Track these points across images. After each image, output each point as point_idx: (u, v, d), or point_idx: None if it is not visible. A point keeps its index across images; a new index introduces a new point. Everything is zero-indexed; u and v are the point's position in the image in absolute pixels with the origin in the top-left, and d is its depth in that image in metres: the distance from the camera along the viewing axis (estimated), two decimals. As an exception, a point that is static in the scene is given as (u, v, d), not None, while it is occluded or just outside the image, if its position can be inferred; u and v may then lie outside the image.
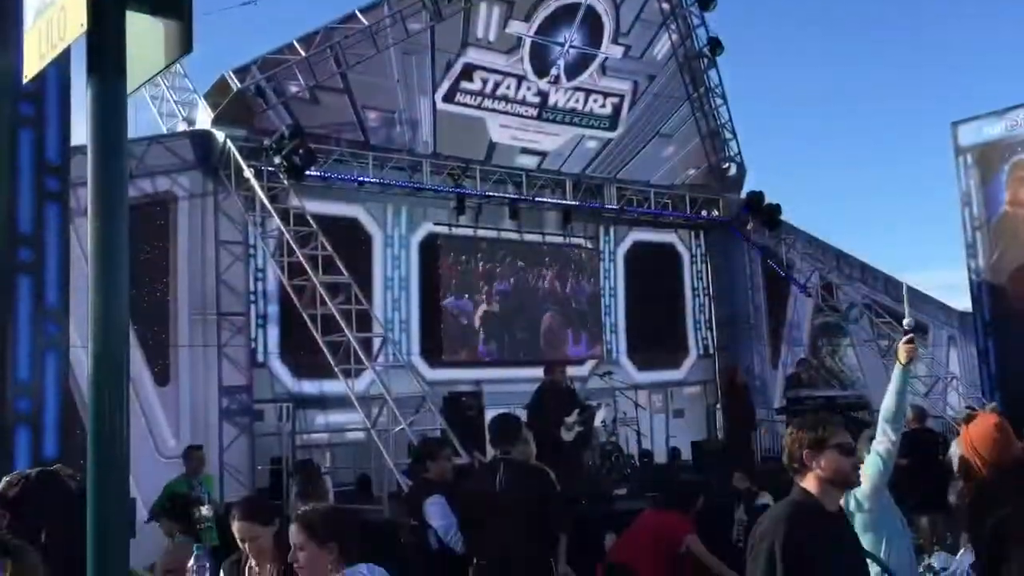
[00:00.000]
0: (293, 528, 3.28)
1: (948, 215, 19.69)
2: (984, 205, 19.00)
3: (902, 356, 4.26)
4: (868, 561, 4.05)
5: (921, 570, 10.01)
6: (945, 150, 19.83)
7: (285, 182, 12.63)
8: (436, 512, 5.45)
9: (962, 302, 21.04)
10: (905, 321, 4.28)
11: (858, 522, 4.07)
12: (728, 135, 19.36)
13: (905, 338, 4.27)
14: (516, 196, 16.51)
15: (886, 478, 4.11)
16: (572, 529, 6.36)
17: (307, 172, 12.69)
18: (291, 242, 12.08)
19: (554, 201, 17.26)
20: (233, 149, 12.39)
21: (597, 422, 14.38)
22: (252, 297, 13.25)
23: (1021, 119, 18.59)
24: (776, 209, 19.23)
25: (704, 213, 19.27)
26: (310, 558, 3.21)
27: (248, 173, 12.24)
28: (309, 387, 13.60)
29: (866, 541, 4.07)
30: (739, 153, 19.61)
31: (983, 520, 3.86)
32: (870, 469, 4.07)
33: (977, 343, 19.43)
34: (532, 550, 5.32)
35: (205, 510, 3.96)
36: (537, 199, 16.83)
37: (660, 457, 16.59)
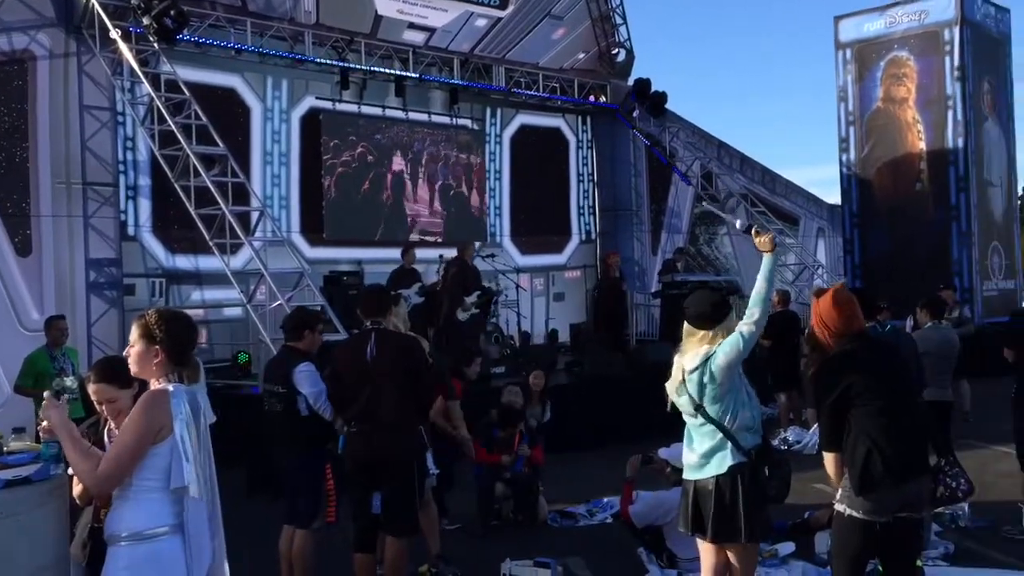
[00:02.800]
0: (132, 326, 3.30)
1: (828, 114, 20.20)
2: (859, 100, 19.58)
3: (764, 246, 4.40)
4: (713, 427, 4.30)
5: (776, 442, 10.70)
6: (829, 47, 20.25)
7: (156, 45, 11.93)
8: (306, 379, 5.43)
9: (833, 196, 21.92)
10: (738, 223, 4.50)
11: (708, 393, 4.27)
12: (619, 20, 19.21)
13: (754, 234, 4.44)
14: (402, 73, 16.08)
15: (743, 356, 4.27)
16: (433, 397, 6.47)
17: (179, 36, 11.99)
18: (162, 110, 11.49)
19: (441, 80, 16.91)
20: (97, 6, 11.58)
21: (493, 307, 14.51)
22: (121, 167, 12.62)
23: (900, 16, 19.07)
24: (662, 97, 19.35)
25: (592, 98, 19.22)
26: (138, 353, 3.25)
27: (115, 34, 11.48)
28: (183, 262, 13.21)
29: (713, 411, 4.30)
30: (628, 39, 19.54)
31: (828, 388, 4.06)
32: (728, 347, 4.24)
33: (843, 234, 20.31)
34: (402, 419, 5.38)
35: (69, 381, 3.83)
36: (424, 77, 16.45)
37: (539, 339, 16.96)
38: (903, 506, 3.97)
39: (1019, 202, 56.95)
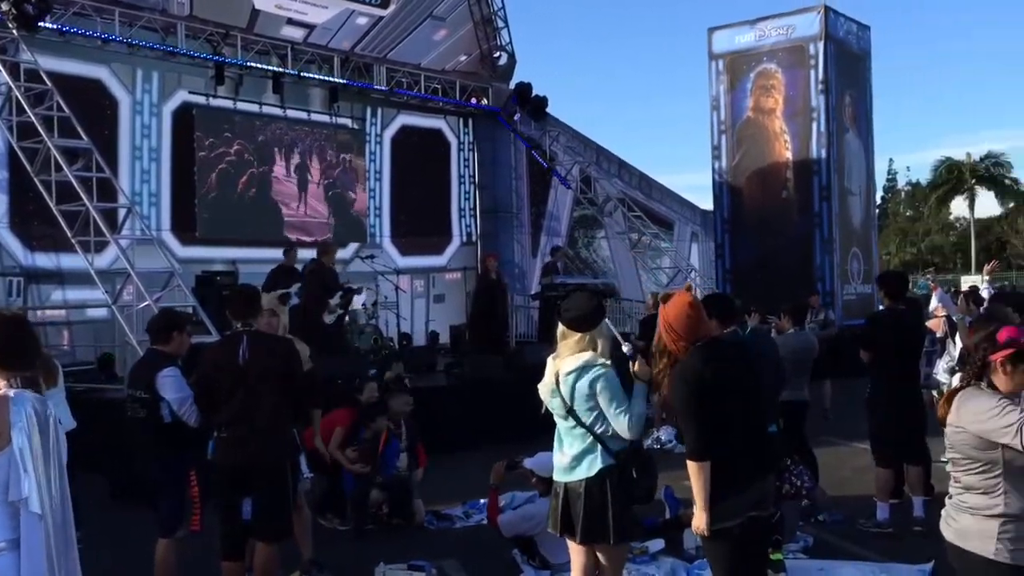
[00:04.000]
0: None
1: (703, 122, 20.80)
2: (730, 110, 20.24)
3: (641, 376, 4.43)
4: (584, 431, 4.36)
5: (649, 442, 10.96)
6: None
7: (15, 32, 11.35)
8: (170, 385, 5.25)
9: (706, 202, 22.56)
10: (624, 347, 4.50)
11: (580, 399, 4.31)
12: (500, 23, 19.35)
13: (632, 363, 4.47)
14: (280, 69, 15.78)
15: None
16: (320, 403, 6.42)
17: (41, 23, 11.46)
18: (21, 100, 10.94)
19: (320, 77, 16.66)
20: (-51, -11, 10.95)
21: (357, 305, 14.36)
22: (-24, 160, 11.99)
23: (769, 30, 19.80)
24: (543, 101, 19.60)
25: (473, 101, 19.30)
26: None
27: (-32, 19, 10.89)
28: (44, 260, 12.61)
29: (585, 415, 4.35)
30: (510, 43, 19.71)
31: (686, 397, 4.13)
32: (610, 399, 4.27)
33: (715, 239, 20.95)
34: (276, 422, 5.27)
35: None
36: (303, 74, 16.17)
37: (419, 340, 16.90)
38: (754, 506, 4.13)
39: (876, 210, 59.87)
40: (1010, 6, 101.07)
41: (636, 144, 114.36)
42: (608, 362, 4.39)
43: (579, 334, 4.39)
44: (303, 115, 16.85)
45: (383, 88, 17.52)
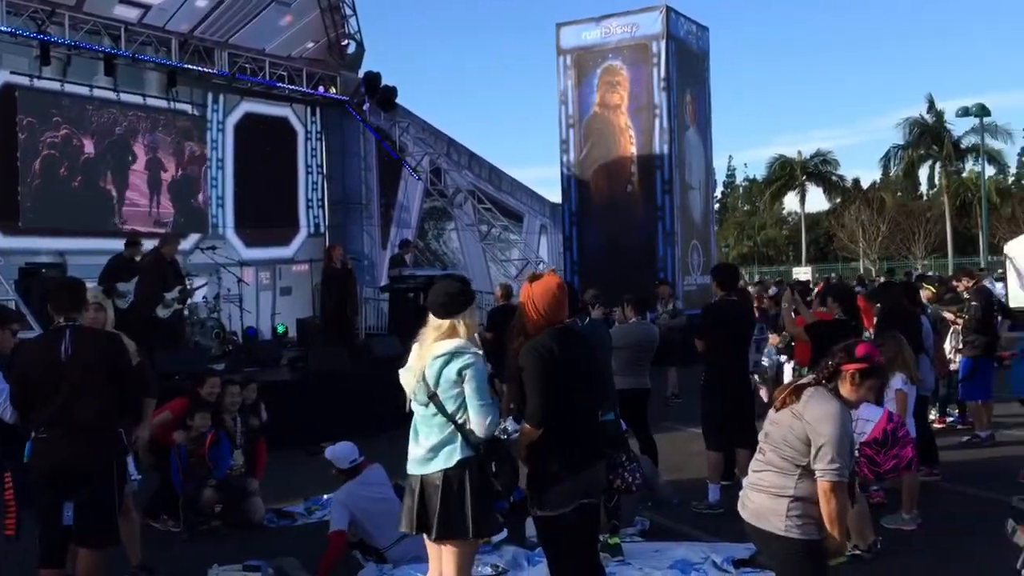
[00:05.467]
0: None
1: (552, 116, 21.13)
2: (578, 105, 20.63)
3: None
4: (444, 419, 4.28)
5: (497, 432, 11.08)
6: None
7: None
8: (-12, 382, 4.92)
9: (555, 195, 22.92)
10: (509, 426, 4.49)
11: (445, 386, 4.19)
12: (348, 11, 19.04)
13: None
14: (113, 51, 14.99)
15: None
16: (155, 393, 6.13)
17: None
18: None
19: (157, 60, 15.94)
20: None
21: (199, 298, 13.87)
22: None
23: (614, 27, 20.28)
24: (392, 91, 19.43)
25: (321, 89, 18.92)
26: None
27: None
28: None
29: (448, 402, 4.19)
30: (359, 31, 19.42)
31: (536, 371, 4.20)
32: (476, 394, 4.21)
33: (563, 231, 21.32)
34: (101, 422, 5.01)
35: None
36: (138, 56, 15.43)
37: (265, 334, 16.47)
38: (585, 492, 4.24)
39: (716, 204, 62.44)
40: (838, 17, 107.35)
41: (487, 137, 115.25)
42: (480, 351, 4.31)
43: (445, 320, 4.27)
44: (138, 99, 16.09)
45: (225, 73, 16.93)
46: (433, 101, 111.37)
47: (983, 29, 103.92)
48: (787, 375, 9.67)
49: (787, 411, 3.78)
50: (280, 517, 7.42)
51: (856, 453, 5.58)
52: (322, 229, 19.64)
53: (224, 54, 16.91)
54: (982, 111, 28.96)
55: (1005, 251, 20.62)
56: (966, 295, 10.75)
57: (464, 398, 4.18)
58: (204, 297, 14.11)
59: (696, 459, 8.24)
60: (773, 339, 11.53)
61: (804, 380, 3.99)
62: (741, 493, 3.95)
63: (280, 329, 16.51)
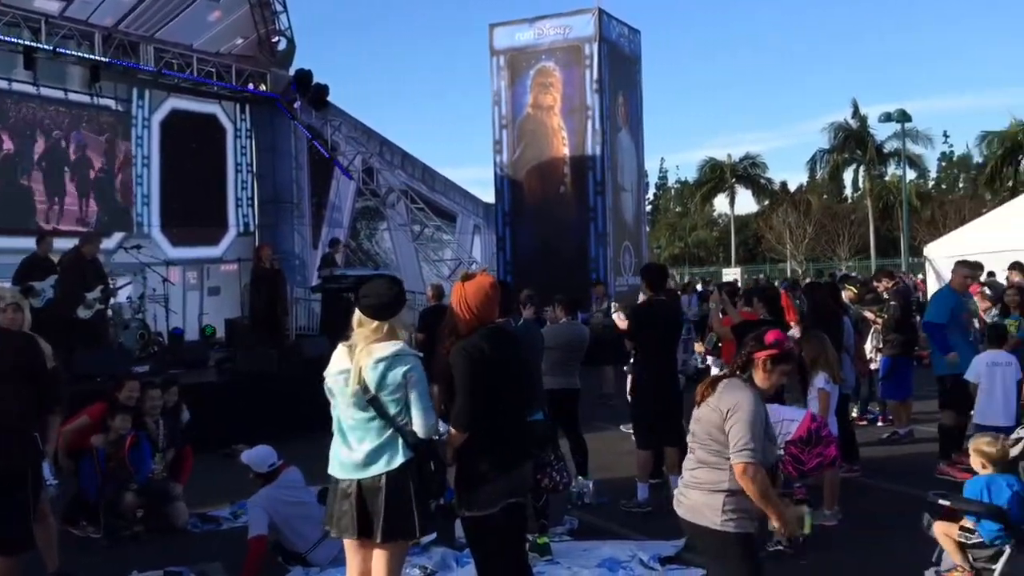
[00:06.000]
0: None
1: (485, 116, 21.16)
2: (511, 105, 20.68)
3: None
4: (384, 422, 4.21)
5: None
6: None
7: None
8: None
9: (489, 195, 22.92)
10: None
11: (388, 389, 4.11)
12: (279, 7, 18.77)
13: None
14: (32, 43, 14.54)
15: None
16: (61, 406, 5.93)
17: None
18: None
19: (79, 55, 15.50)
20: None
21: (122, 298, 13.53)
22: None
23: (547, 29, 20.38)
24: (324, 89, 19.23)
25: (251, 86, 18.61)
26: None
27: None
28: None
29: (390, 405, 4.15)
30: (289, 28, 19.16)
31: (468, 372, 4.19)
32: (419, 399, 4.21)
33: (497, 231, 21.35)
34: (17, 424, 4.86)
35: None
36: (59, 50, 14.99)
37: (192, 335, 16.15)
38: (512, 492, 4.24)
39: (649, 206, 62.76)
40: (768, 24, 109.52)
41: (420, 137, 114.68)
42: (420, 353, 4.28)
43: (377, 322, 4.19)
44: (60, 94, 15.64)
45: (151, 69, 16.55)
46: (366, 100, 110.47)
47: (905, 37, 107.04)
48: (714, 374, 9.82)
49: (706, 405, 3.85)
50: (204, 521, 7.27)
51: (781, 451, 5.71)
52: (252, 228, 19.33)
53: (150, 49, 16.53)
54: (903, 117, 29.74)
55: (925, 253, 21.22)
56: (886, 295, 11.05)
57: (405, 401, 4.15)
58: (128, 297, 13.78)
59: (626, 458, 8.31)
60: (699, 347, 11.76)
61: (719, 373, 4.07)
62: (676, 491, 4.00)
63: (208, 330, 16.21)
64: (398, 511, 4.08)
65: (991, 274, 13.03)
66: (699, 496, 3.82)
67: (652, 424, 7.38)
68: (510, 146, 20.76)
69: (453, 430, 4.21)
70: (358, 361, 4.15)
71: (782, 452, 5.68)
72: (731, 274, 36.53)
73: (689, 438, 3.98)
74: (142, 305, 13.80)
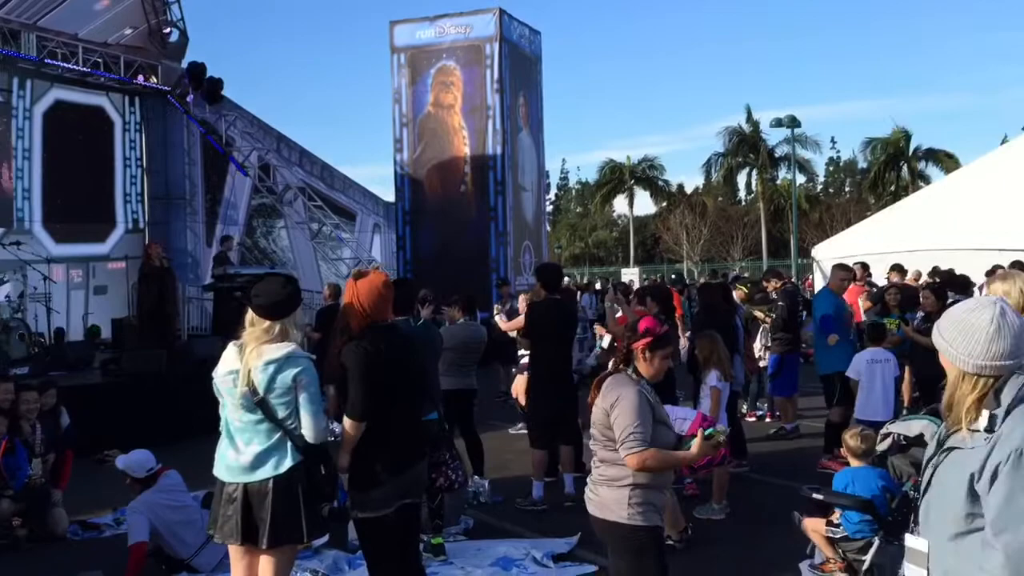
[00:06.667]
0: None
1: (386, 114, 20.94)
2: (412, 104, 20.54)
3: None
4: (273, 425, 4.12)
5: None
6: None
7: None
8: None
9: (389, 194, 22.74)
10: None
11: (279, 392, 4.05)
12: (170, -3, 18.25)
13: None
14: (-98, 27, 13.78)
15: None
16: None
17: None
18: None
19: (-46, 41, 14.76)
20: None
21: (1, 297, 12.93)
22: None
23: (448, 28, 20.32)
24: (218, 83, 18.75)
25: (141, 78, 18.01)
26: None
27: None
28: None
29: (279, 408, 4.07)
30: (182, 19, 18.64)
31: (361, 367, 4.15)
32: (311, 411, 4.13)
33: (397, 230, 21.19)
34: None
35: None
36: (-69, 35, 14.24)
37: (77, 335, 15.54)
38: (406, 493, 4.21)
39: (551, 206, 63.16)
40: (665, 30, 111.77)
41: (319, 133, 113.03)
42: (313, 356, 4.18)
43: (269, 322, 4.08)
44: (-68, 82, 14.86)
45: (33, 58, 15.85)
46: (263, 96, 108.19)
47: (796, 45, 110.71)
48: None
49: (596, 406, 3.90)
50: (85, 529, 7.00)
51: (683, 432, 5.80)
52: (141, 225, 18.72)
53: (32, 37, 15.83)
54: (793, 122, 30.70)
55: (813, 254, 21.99)
56: (774, 295, 11.38)
57: (295, 404, 4.06)
58: (7, 296, 13.18)
59: (522, 456, 8.35)
60: (600, 329, 11.76)
61: (606, 372, 4.12)
62: (587, 489, 4.01)
63: (93, 330, 15.62)
64: (286, 516, 4.00)
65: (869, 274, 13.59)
66: (606, 492, 3.85)
67: (547, 423, 7.43)
68: (410, 145, 20.63)
69: (348, 422, 4.16)
70: (247, 362, 4.05)
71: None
72: (630, 274, 37.09)
73: (592, 439, 4.01)
74: (22, 304, 13.22)
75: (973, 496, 2.35)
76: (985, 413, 2.38)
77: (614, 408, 3.77)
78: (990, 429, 2.36)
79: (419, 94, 20.51)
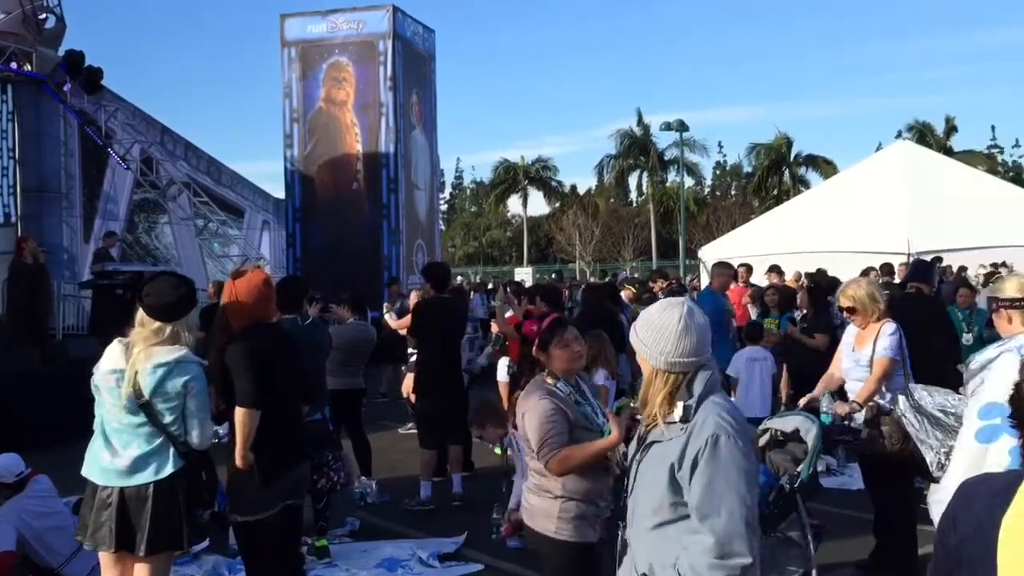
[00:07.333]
0: None
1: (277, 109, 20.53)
2: (303, 99, 20.20)
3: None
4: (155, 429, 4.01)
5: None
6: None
7: None
8: None
9: (279, 190, 22.28)
10: None
11: (167, 395, 3.91)
12: (47, -18, 17.43)
13: None
14: None
15: None
16: None
17: None
18: None
19: None
20: None
21: None
22: None
23: (340, 23, 20.06)
24: (97, 73, 18.01)
25: (14, 65, 17.13)
26: None
27: None
28: None
29: (165, 412, 3.96)
30: (59, 5, 17.84)
31: (249, 366, 4.09)
32: (199, 418, 4.04)
33: (287, 228, 20.80)
34: None
35: None
36: None
37: (-59, 334, 14.69)
38: (289, 494, 4.15)
39: (445, 205, 62.95)
40: (559, 30, 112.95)
41: (206, 127, 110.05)
42: (204, 361, 4.08)
43: (160, 323, 3.94)
44: None
45: None
46: (146, 87, 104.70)
47: (687, 51, 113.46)
48: (500, 372, 9.98)
49: (519, 412, 3.84)
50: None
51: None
52: (13, 219, 17.80)
53: None
54: (682, 127, 31.46)
55: (699, 255, 22.59)
56: (661, 295, 11.63)
57: (182, 410, 3.96)
58: None
59: (411, 456, 8.30)
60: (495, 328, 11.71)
61: (524, 379, 4.12)
62: (523, 496, 3.94)
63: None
64: (165, 522, 3.88)
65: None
66: (537, 501, 3.73)
67: (435, 422, 7.41)
68: (301, 141, 20.29)
69: (241, 412, 4.07)
70: (135, 364, 3.91)
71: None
72: (523, 273, 37.35)
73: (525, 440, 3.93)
74: None
75: (675, 485, 2.45)
76: (680, 405, 2.49)
77: (525, 420, 3.68)
78: (685, 419, 2.47)
79: (310, 89, 20.19)
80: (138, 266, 16.44)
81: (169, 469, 3.92)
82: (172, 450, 3.94)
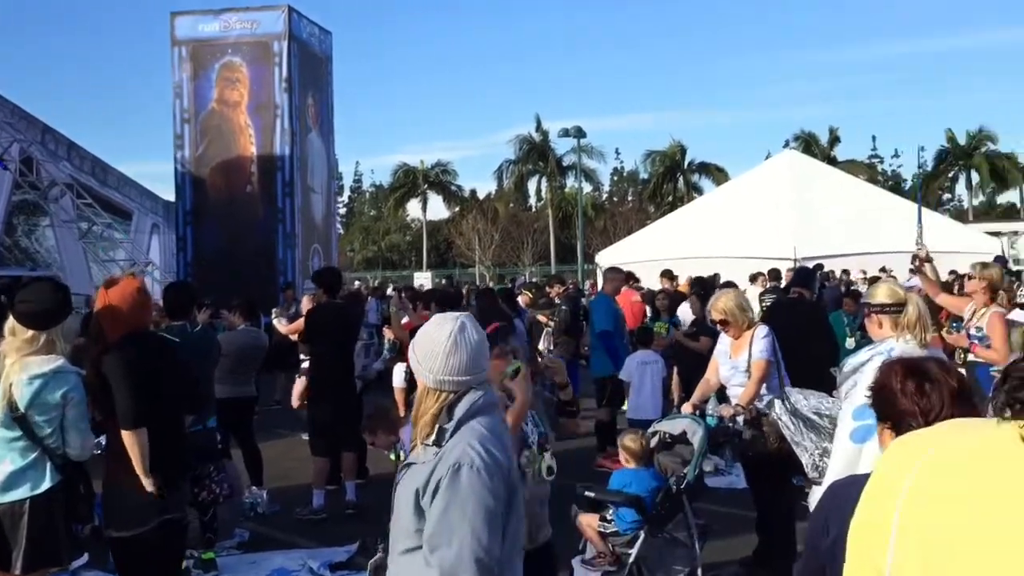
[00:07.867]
0: None
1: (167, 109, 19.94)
2: (194, 99, 19.69)
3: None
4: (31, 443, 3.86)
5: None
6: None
7: None
8: None
9: (170, 192, 21.66)
10: None
11: (47, 407, 3.85)
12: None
13: None
14: None
15: None
16: None
17: None
18: None
19: None
20: None
21: None
22: None
23: (233, 23, 19.64)
24: (-27, 68, 17.22)
25: None
26: None
27: None
28: None
29: (42, 424, 3.89)
30: (-70, -5, 16.96)
31: (128, 376, 3.94)
32: (76, 429, 3.95)
33: (177, 231, 20.23)
34: None
35: None
36: None
37: None
38: (167, 509, 4.03)
39: (344, 208, 62.30)
40: (461, 35, 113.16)
41: (91, 126, 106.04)
42: (82, 371, 3.93)
43: (34, 332, 3.80)
44: None
45: None
46: (25, 84, 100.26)
47: (585, 59, 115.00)
48: (396, 377, 9.92)
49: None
50: None
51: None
52: None
53: None
54: (580, 133, 31.86)
55: (597, 260, 22.95)
56: (557, 300, 11.76)
57: (60, 421, 3.83)
58: None
59: (304, 464, 8.17)
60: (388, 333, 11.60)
61: None
62: None
63: None
64: (43, 539, 3.75)
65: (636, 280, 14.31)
66: None
67: (328, 429, 7.31)
68: (192, 142, 19.76)
69: (127, 434, 3.90)
70: (8, 375, 3.78)
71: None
72: (423, 278, 37.22)
73: None
74: None
75: (419, 511, 2.35)
76: (436, 427, 2.39)
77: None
78: (438, 443, 2.37)
79: (202, 89, 19.70)
80: (16, 271, 15.75)
81: (46, 484, 3.79)
82: (49, 464, 3.82)
